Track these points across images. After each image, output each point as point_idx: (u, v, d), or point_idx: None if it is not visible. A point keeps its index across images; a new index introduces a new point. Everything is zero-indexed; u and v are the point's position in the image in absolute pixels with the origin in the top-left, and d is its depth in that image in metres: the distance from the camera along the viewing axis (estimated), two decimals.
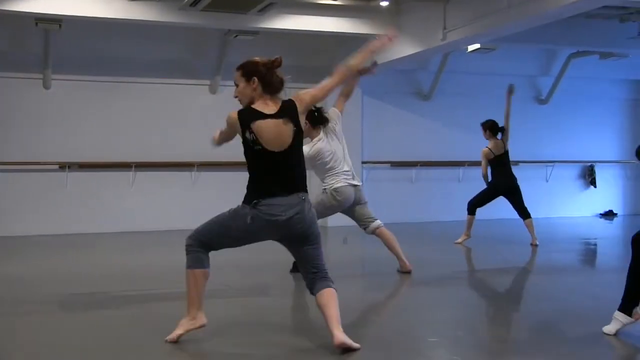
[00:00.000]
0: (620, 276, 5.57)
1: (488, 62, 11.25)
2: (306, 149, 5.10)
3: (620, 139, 13.18)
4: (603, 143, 12.94)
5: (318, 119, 5.80)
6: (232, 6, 8.11)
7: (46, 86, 9.75)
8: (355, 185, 5.97)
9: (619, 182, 13.22)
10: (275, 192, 3.64)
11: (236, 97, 3.86)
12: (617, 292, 4.43)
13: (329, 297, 3.60)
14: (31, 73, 9.63)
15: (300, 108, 3.70)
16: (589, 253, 8.65)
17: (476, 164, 11.55)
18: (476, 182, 11.48)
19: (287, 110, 3.67)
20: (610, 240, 9.84)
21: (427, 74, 11.50)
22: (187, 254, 3.77)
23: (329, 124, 5.91)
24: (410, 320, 4.54)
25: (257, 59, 3.76)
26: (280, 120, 3.64)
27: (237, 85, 3.81)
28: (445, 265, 6.93)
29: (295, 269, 5.80)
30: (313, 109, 5.54)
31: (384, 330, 4.24)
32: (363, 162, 11.21)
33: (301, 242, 3.70)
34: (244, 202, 3.75)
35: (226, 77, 10.47)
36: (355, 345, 3.52)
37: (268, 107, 3.69)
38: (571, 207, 12.63)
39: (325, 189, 5.89)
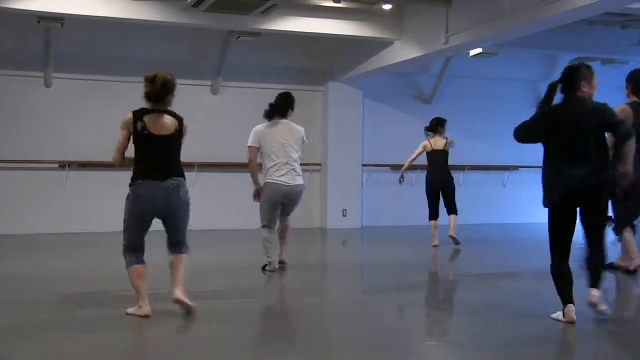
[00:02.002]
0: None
1: (490, 67, 11.28)
2: None
3: None
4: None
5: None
6: (234, 7, 8.11)
7: (47, 84, 9.76)
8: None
9: None
10: None
11: None
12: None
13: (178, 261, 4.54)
14: (32, 71, 9.64)
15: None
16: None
17: (476, 167, 11.66)
18: (476, 185, 11.57)
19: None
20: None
21: (429, 77, 11.52)
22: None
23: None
24: (385, 322, 4.55)
25: None
26: None
27: None
28: (429, 267, 6.94)
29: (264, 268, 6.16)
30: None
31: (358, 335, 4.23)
32: (363, 165, 11.23)
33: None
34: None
35: (228, 78, 10.50)
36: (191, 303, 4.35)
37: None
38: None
39: None
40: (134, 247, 4.45)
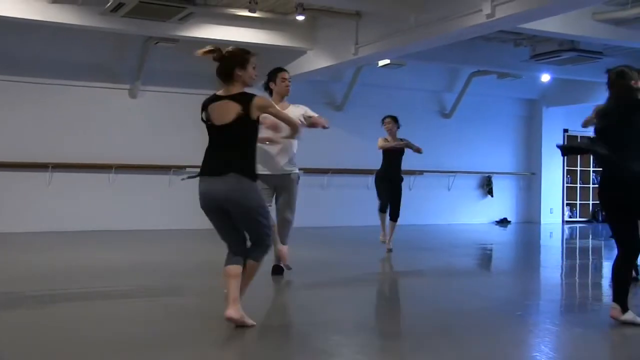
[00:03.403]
0: (512, 279, 6.20)
1: (397, 77, 11.91)
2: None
3: (514, 152, 14.28)
4: (500, 156, 13.97)
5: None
6: (153, 14, 8.22)
7: None
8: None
9: (513, 192, 14.29)
10: None
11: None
12: (508, 292, 4.95)
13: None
14: None
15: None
16: (485, 257, 9.34)
17: None
18: None
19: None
20: (504, 245, 10.65)
21: (340, 85, 12.03)
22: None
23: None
24: (313, 320, 4.71)
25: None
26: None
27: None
28: (353, 267, 7.35)
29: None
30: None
31: (289, 330, 4.59)
32: None
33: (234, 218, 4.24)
34: (250, 177, 4.07)
35: (146, 82, 10.64)
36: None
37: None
38: (470, 214, 13.53)
39: None
40: (227, 247, 4.16)
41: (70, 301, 5.17)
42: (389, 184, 8.29)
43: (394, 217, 8.22)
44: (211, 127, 4.17)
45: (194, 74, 11.02)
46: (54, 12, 8.21)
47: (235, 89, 4.12)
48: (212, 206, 4.07)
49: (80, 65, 10.24)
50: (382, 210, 8.32)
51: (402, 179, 8.38)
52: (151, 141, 10.75)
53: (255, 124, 4.12)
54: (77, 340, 3.87)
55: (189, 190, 10.92)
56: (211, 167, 4.12)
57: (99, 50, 10.23)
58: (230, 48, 4.24)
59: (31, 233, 9.58)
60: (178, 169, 10.84)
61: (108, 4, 7.90)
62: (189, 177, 4.52)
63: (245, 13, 8.64)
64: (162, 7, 7.93)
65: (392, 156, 8.32)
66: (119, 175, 10.45)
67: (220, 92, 4.19)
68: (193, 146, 11.09)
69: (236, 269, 4.04)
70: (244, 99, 4.07)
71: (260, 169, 5.30)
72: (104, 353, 3.61)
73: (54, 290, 5.56)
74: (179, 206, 10.84)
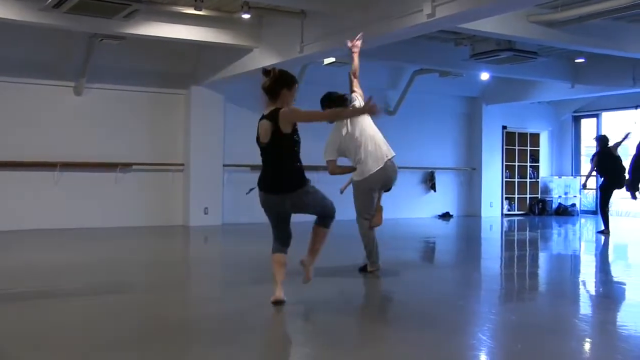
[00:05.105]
0: (454, 270, 6.43)
1: (343, 75, 11.88)
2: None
3: (456, 148, 14.70)
4: (442, 152, 14.35)
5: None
6: (96, 10, 8.08)
7: None
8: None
9: (455, 187, 14.70)
10: None
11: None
12: (450, 283, 5.09)
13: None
14: None
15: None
16: (428, 250, 9.63)
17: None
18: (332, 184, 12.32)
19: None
20: (446, 238, 10.97)
21: None
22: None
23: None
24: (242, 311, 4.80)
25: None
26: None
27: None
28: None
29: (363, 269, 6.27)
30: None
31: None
32: (224, 165, 11.65)
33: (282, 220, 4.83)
34: (301, 185, 4.56)
35: (92, 80, 10.52)
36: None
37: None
38: (414, 209, 13.86)
39: None
40: (277, 238, 4.77)
41: (9, 302, 5.13)
42: None
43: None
44: (259, 145, 4.59)
45: (139, 72, 10.98)
46: None
47: (273, 107, 4.49)
48: (272, 211, 4.65)
49: (23, 62, 10.03)
50: None
51: None
52: (97, 139, 10.64)
53: (289, 137, 4.45)
54: (14, 338, 3.87)
55: (136, 187, 11.00)
56: (266, 184, 4.59)
57: (43, 47, 10.02)
58: (281, 70, 4.67)
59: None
60: (124, 166, 10.76)
61: (49, 1, 7.77)
62: (250, 190, 5.08)
63: (191, 11, 8.65)
64: (106, 4, 7.80)
65: None
66: (64, 173, 10.29)
67: (265, 111, 4.58)
68: (139, 144, 11.12)
69: (283, 257, 4.71)
70: (274, 116, 4.45)
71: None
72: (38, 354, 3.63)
73: None
74: (126, 204, 10.78)
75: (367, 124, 6.23)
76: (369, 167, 6.05)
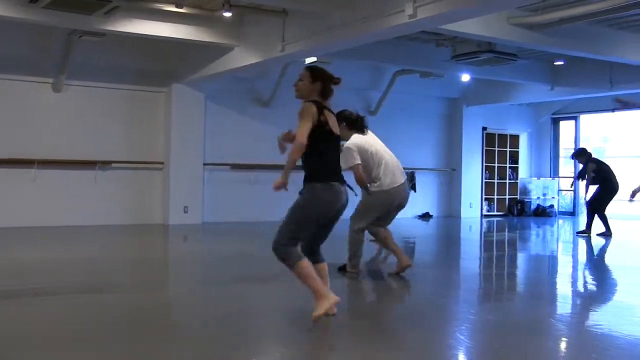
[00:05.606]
0: (434, 270, 6.49)
1: None
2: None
3: (436, 149, 14.78)
4: (423, 152, 14.42)
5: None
6: (76, 6, 8.00)
7: None
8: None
9: (435, 187, 14.78)
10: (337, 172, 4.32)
11: (295, 86, 4.48)
12: (430, 283, 5.09)
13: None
14: None
15: None
16: (408, 251, 9.64)
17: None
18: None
19: None
20: (426, 238, 11.02)
21: (268, 82, 12.10)
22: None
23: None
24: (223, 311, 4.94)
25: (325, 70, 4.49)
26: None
27: (300, 80, 4.45)
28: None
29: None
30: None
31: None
32: (205, 164, 11.60)
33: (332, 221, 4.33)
34: (317, 181, 4.20)
35: (71, 77, 10.41)
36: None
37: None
38: None
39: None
40: (307, 245, 4.37)
41: None
42: None
43: None
44: (332, 135, 4.36)
45: (120, 69, 10.89)
46: None
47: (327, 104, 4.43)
48: (336, 206, 4.24)
49: (0, 58, 9.90)
50: None
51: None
52: (76, 136, 10.54)
53: (316, 131, 4.22)
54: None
55: (115, 186, 10.91)
56: (338, 175, 4.32)
57: (21, 42, 9.90)
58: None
59: None
60: (104, 164, 10.67)
61: None
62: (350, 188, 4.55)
63: (172, 8, 8.61)
64: (86, 0, 7.75)
65: None
66: (42, 171, 10.18)
67: (326, 104, 4.43)
68: (119, 142, 11.03)
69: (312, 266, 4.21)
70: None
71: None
72: (23, 351, 3.59)
73: None
74: (105, 202, 10.70)
75: (383, 147, 6.47)
76: (390, 180, 6.14)
